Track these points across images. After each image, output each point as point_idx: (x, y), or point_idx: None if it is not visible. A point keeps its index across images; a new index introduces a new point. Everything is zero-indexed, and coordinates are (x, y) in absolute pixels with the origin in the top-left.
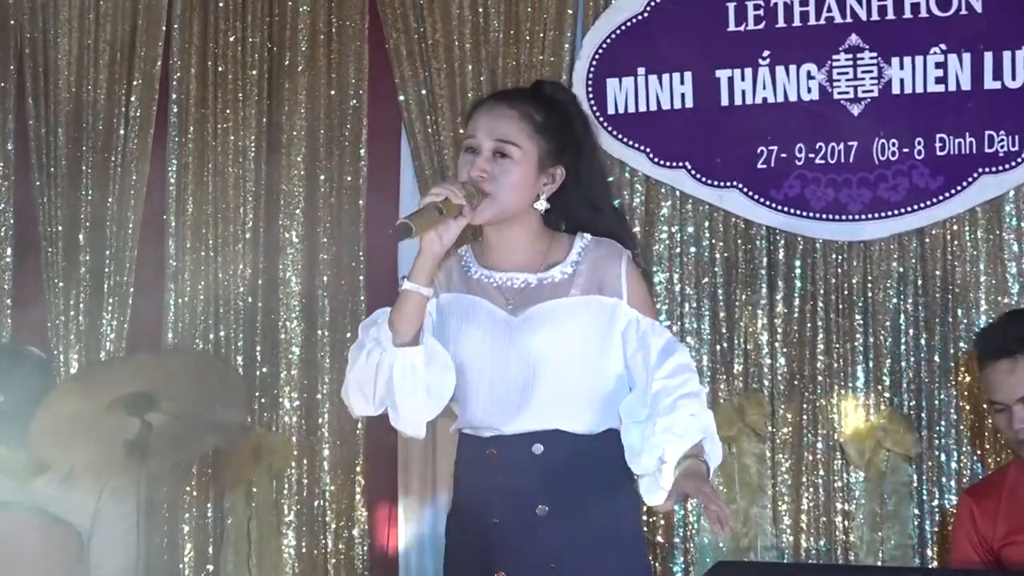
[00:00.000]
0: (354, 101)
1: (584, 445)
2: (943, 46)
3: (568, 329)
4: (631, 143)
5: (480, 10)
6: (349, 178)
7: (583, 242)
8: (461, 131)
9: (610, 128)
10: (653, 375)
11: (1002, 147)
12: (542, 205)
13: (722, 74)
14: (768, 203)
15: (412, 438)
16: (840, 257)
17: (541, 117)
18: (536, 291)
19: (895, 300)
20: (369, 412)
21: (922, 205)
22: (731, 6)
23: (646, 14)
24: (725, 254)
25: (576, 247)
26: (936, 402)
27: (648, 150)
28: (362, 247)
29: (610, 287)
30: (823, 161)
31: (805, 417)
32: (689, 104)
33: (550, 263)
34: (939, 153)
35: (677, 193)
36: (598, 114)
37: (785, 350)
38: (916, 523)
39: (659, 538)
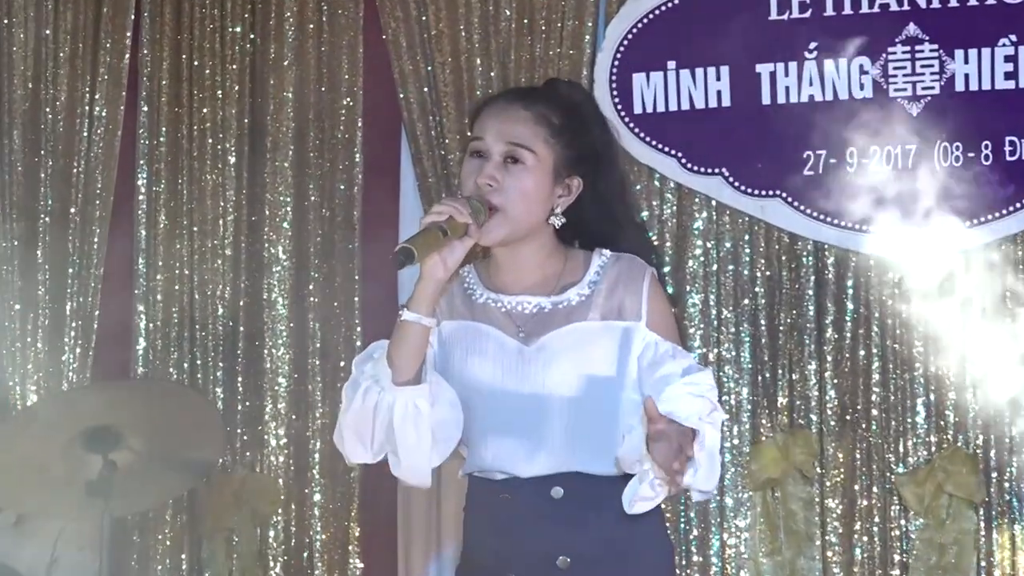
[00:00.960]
0: (348, 99)
1: (609, 489)
2: (1013, 37)
3: (587, 359)
4: (661, 147)
5: None
6: (343, 186)
7: (602, 259)
8: (468, 133)
9: (637, 130)
10: (671, 385)
11: None
12: (558, 220)
13: (763, 69)
14: (816, 214)
15: (416, 487)
16: (898, 276)
17: (558, 120)
18: (550, 316)
19: (960, 324)
20: (366, 460)
21: (990, 217)
22: None
23: (677, 0)
24: (767, 272)
25: (594, 265)
26: (1007, 440)
27: (680, 155)
28: (357, 264)
29: (631, 308)
30: (878, 167)
31: (858, 457)
32: (726, 102)
33: (565, 284)
34: (1009, 158)
35: (713, 203)
36: (623, 114)
37: (836, 381)
38: None
39: None
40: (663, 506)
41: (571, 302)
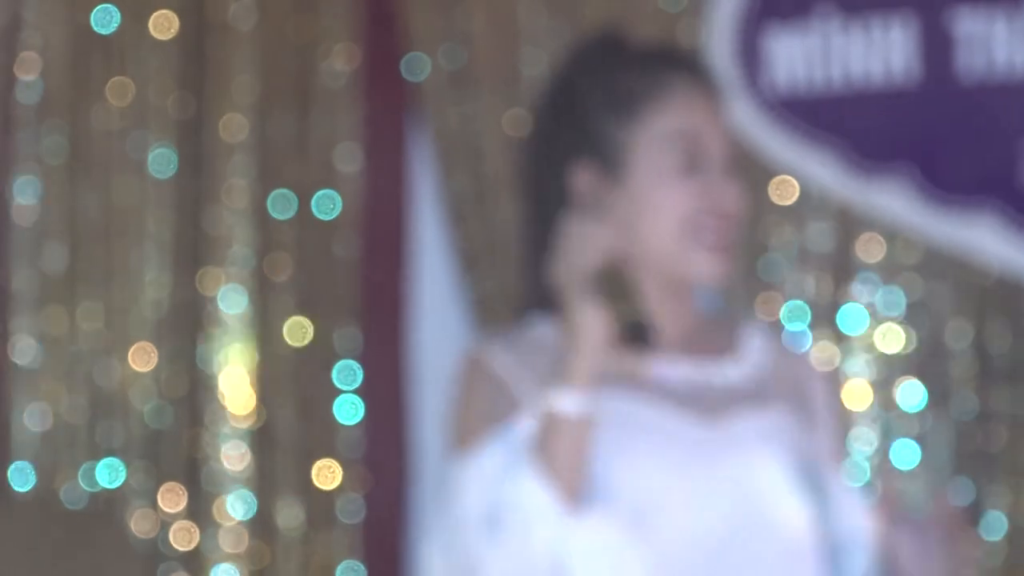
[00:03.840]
0: (333, 68)
1: None
2: None
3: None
4: (808, 144)
5: None
6: (328, 203)
7: (757, 327)
8: (514, 111)
9: (775, 115)
10: None
11: None
12: None
13: (964, 24)
14: None
15: None
16: None
17: None
18: (731, 390)
19: None
20: None
21: None
22: None
23: None
24: (974, 329)
25: (751, 335)
26: None
27: (840, 152)
28: (351, 314)
29: (805, 398)
30: None
31: None
32: (911, 75)
33: (719, 350)
34: None
35: (889, 225)
36: (751, 93)
37: None
38: None
39: None
40: None
41: (742, 376)
